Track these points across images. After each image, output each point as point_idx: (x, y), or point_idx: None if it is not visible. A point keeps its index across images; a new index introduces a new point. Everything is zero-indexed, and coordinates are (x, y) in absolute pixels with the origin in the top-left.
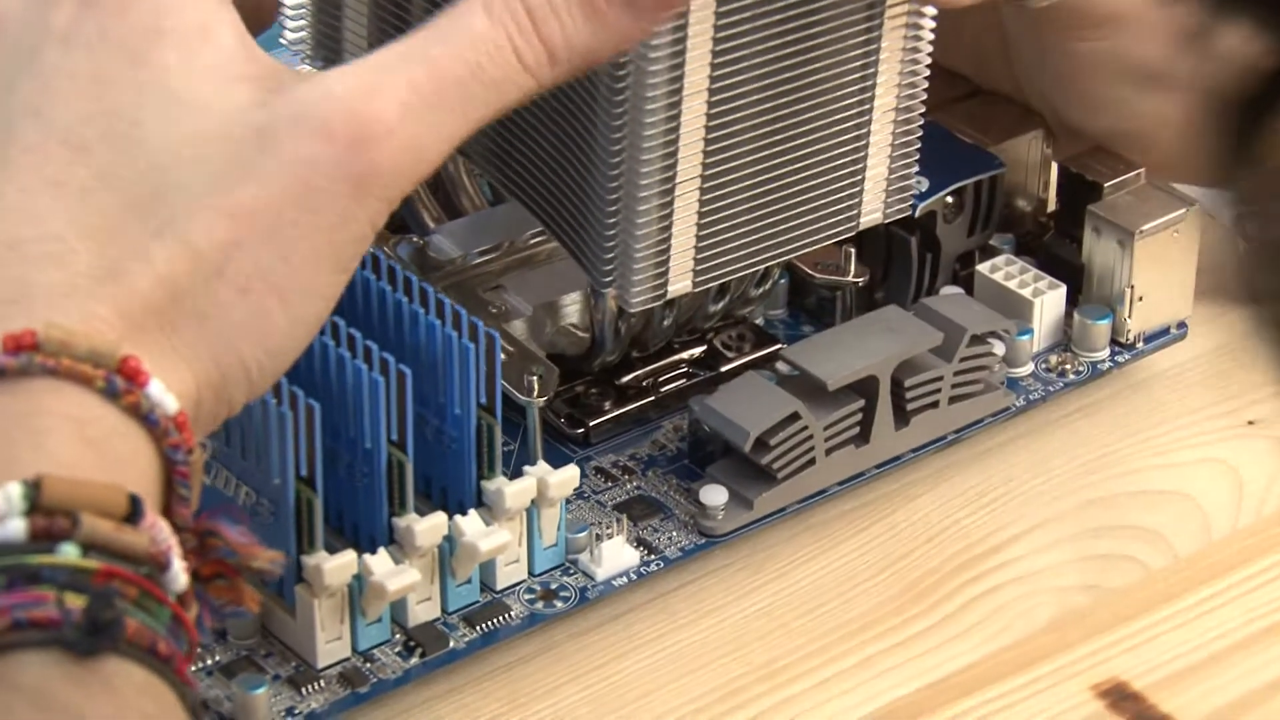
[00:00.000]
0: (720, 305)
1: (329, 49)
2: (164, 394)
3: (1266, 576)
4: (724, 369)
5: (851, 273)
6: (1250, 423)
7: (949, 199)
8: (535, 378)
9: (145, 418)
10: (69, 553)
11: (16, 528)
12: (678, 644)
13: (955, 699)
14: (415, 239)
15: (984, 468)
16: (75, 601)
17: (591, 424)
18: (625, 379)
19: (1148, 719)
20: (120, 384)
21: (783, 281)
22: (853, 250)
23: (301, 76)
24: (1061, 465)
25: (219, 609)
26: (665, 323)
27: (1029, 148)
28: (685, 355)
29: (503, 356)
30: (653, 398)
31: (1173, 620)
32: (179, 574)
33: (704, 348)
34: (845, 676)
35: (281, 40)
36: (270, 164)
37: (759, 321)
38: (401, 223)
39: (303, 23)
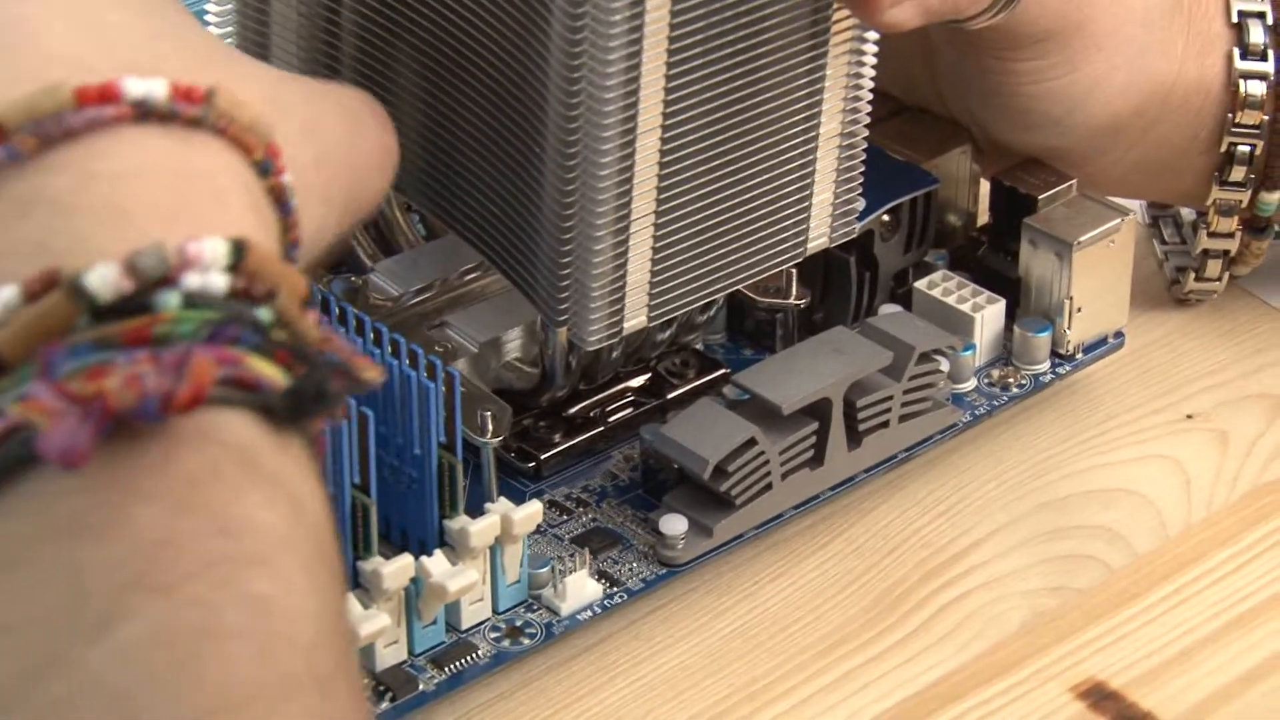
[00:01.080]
0: (668, 334)
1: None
2: (292, 189)
3: (1225, 569)
4: (670, 396)
5: (794, 295)
6: (1189, 416)
7: (885, 217)
8: (489, 416)
9: (283, 205)
10: (266, 318)
11: (219, 282)
12: (656, 670)
13: (937, 709)
14: (353, 278)
15: (936, 476)
16: (269, 370)
17: (543, 457)
18: (573, 410)
19: (1130, 716)
20: (272, 164)
21: (723, 306)
22: (794, 273)
23: None
24: (1011, 470)
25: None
26: (614, 354)
27: (958, 163)
28: (632, 384)
29: (463, 390)
30: (602, 428)
31: (1141, 617)
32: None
33: (649, 376)
34: (828, 693)
35: None
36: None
37: (699, 347)
38: (339, 261)
39: (230, 30)
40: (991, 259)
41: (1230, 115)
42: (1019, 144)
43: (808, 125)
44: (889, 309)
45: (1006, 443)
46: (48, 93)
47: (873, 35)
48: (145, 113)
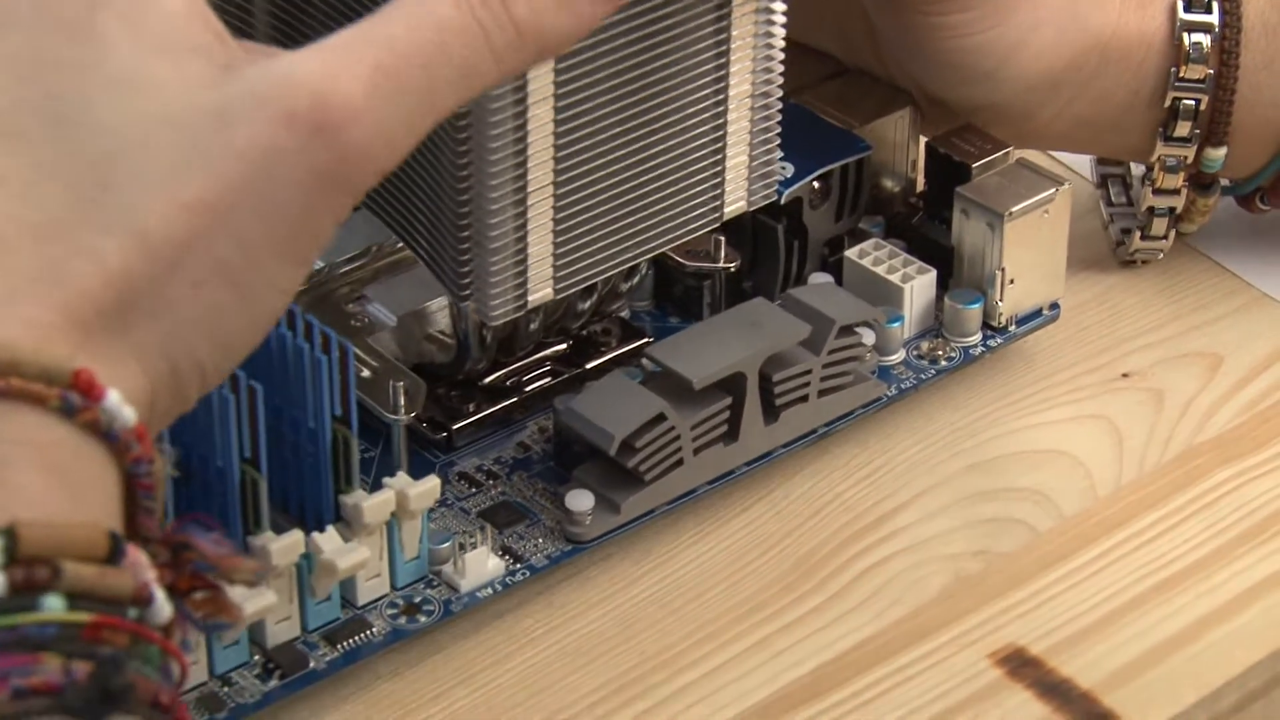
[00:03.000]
0: (589, 304)
1: None
2: (121, 405)
3: (1154, 532)
4: (589, 366)
5: (722, 259)
6: (1125, 375)
7: (815, 184)
8: (401, 389)
9: (105, 434)
10: (55, 606)
11: None
12: (567, 637)
13: (853, 675)
14: None
15: (861, 439)
16: (77, 665)
17: (455, 428)
18: (488, 380)
19: (1047, 684)
20: (76, 400)
21: (649, 273)
22: (722, 238)
23: (254, 52)
24: (939, 431)
25: (200, 622)
26: (532, 326)
27: (895, 126)
28: (549, 353)
29: (366, 373)
30: (516, 398)
31: (1065, 582)
32: (163, 605)
33: (569, 344)
34: (742, 660)
35: None
36: (229, 151)
37: (625, 315)
38: None
39: None
40: (927, 227)
41: (1174, 69)
42: (954, 100)
43: (716, 88)
44: (818, 278)
45: (937, 404)
46: None
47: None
48: None
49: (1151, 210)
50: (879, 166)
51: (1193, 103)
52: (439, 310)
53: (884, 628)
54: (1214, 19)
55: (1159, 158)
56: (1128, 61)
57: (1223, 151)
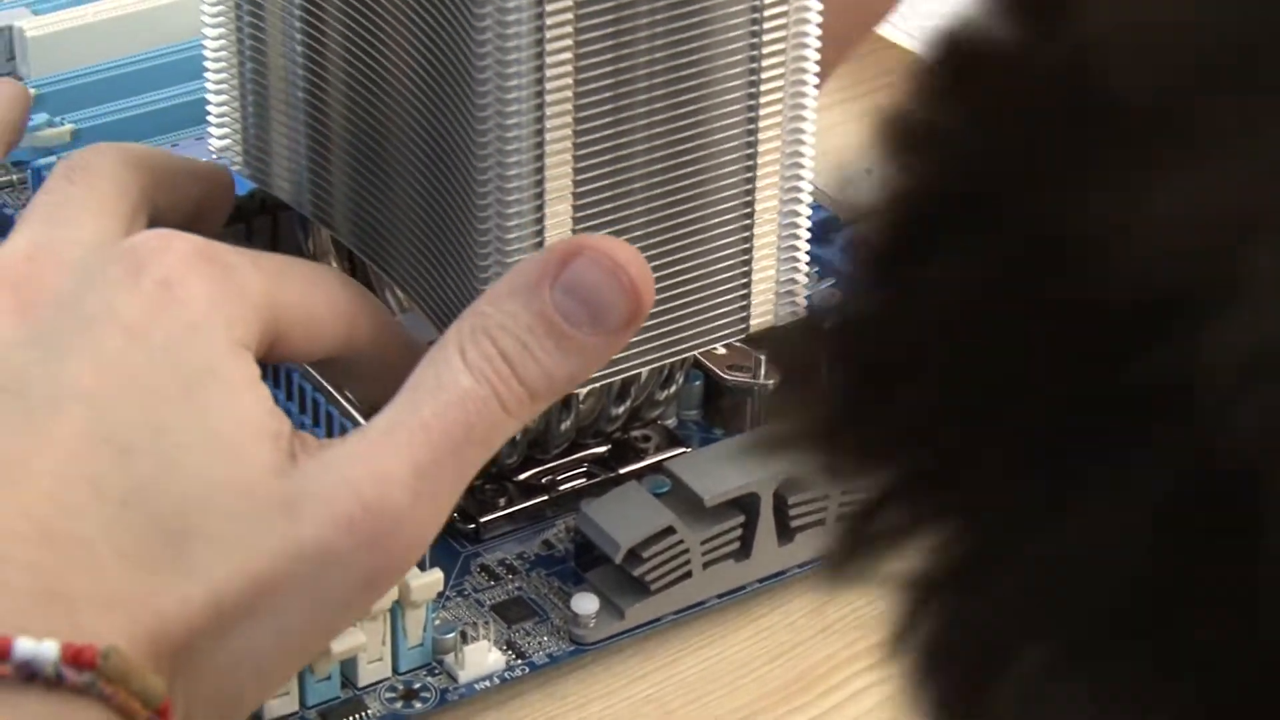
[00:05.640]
0: (624, 408)
1: (259, 160)
2: None
3: None
4: (623, 471)
5: (761, 375)
6: None
7: None
8: None
9: None
10: None
11: None
12: None
13: None
14: None
15: None
16: None
17: (482, 520)
18: (523, 475)
19: None
20: None
21: (697, 384)
22: (763, 355)
23: (310, 445)
24: None
25: None
26: (564, 425)
27: None
28: (588, 454)
29: None
30: (548, 496)
31: None
32: None
33: (608, 447)
34: None
35: (209, 148)
36: (293, 544)
37: (671, 423)
38: None
39: (227, 130)
40: None
41: None
42: None
43: (744, 199)
44: None
45: None
46: None
47: (810, 115)
48: (30, 674)
49: None
50: None
51: None
52: None
53: None
54: None
55: None
56: None
57: None
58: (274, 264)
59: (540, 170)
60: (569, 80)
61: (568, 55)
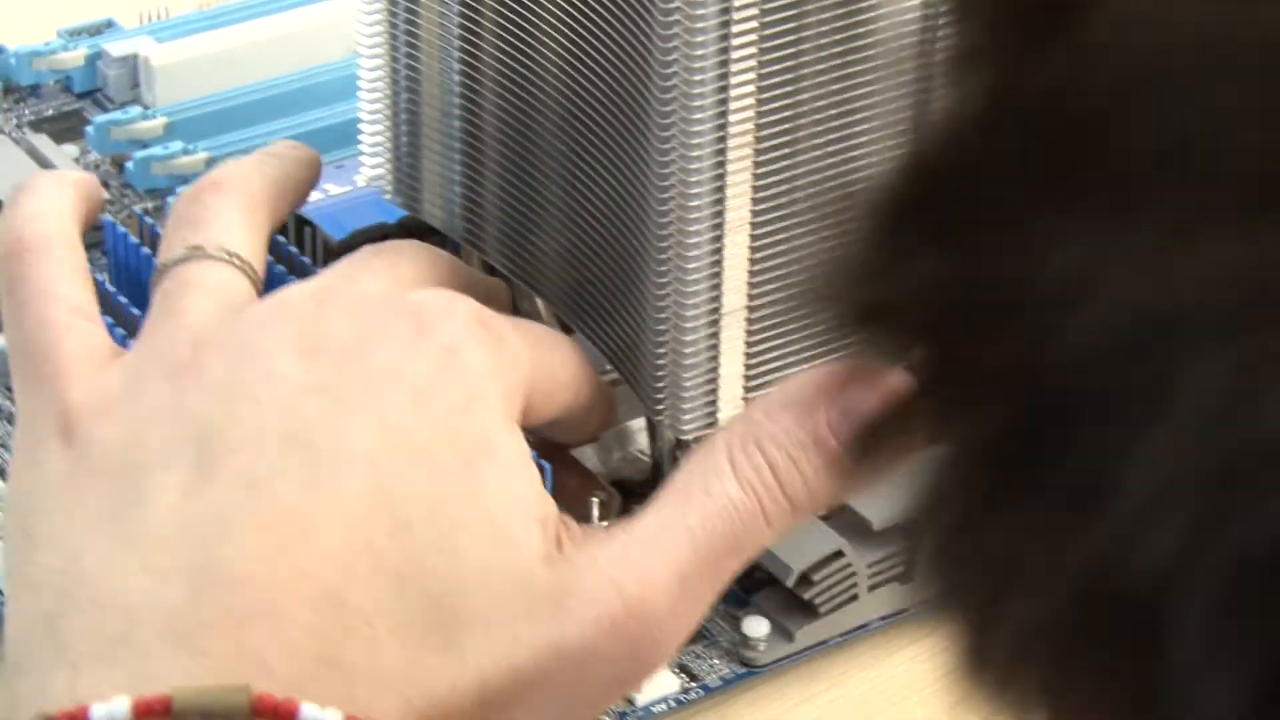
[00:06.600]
0: None
1: (410, 187)
2: None
3: None
4: None
5: None
6: None
7: None
8: (597, 503)
9: None
10: None
11: None
12: None
13: None
14: None
15: None
16: None
17: None
18: None
19: None
20: None
21: None
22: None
23: (574, 533)
24: None
25: None
26: None
27: None
28: None
29: (570, 482)
30: None
31: None
32: None
33: None
34: None
35: (356, 178)
36: (557, 638)
37: None
38: None
39: (380, 159)
40: None
41: None
42: None
43: None
44: None
45: None
46: (228, 692)
47: None
48: None
49: None
50: None
51: None
52: (641, 430)
53: None
54: None
55: None
56: None
57: None
58: (530, 333)
59: (721, 203)
60: (751, 110)
61: (750, 88)
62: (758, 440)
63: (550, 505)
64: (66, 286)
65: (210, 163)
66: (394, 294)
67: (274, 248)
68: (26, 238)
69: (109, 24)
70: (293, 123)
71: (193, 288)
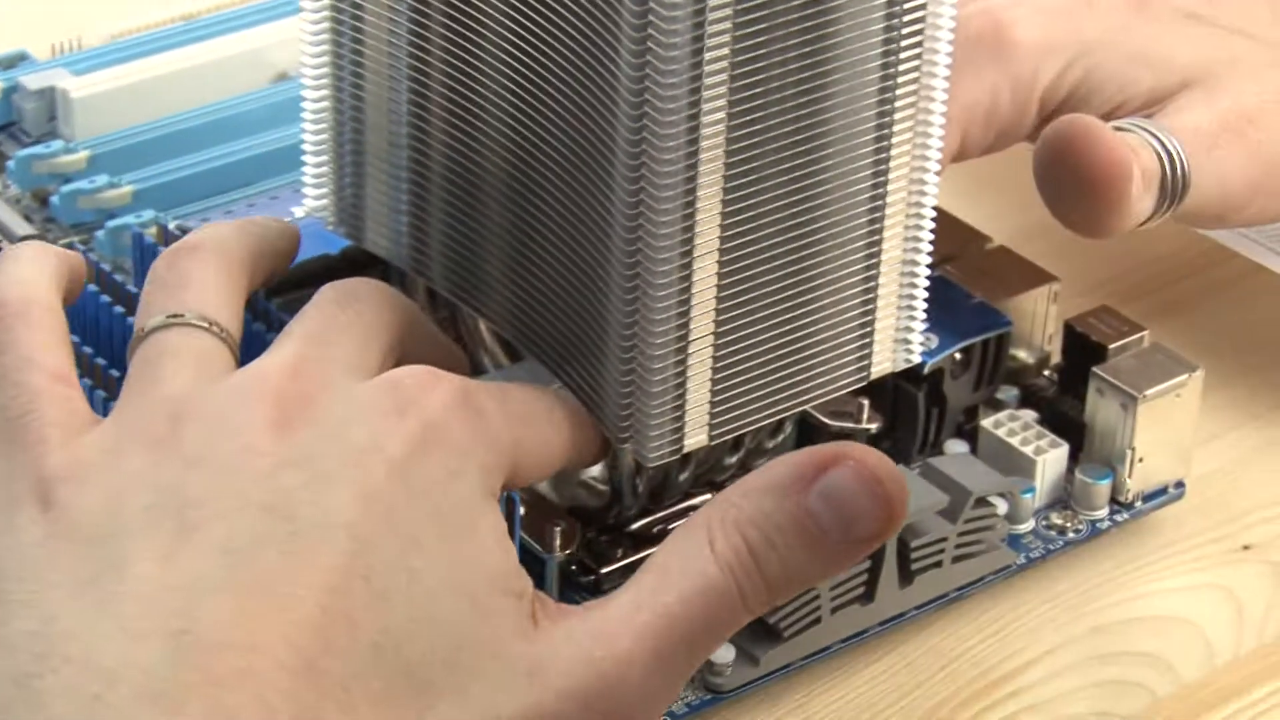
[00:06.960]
0: (736, 458)
1: (354, 217)
2: None
3: (1272, 701)
4: None
5: (864, 420)
6: (1246, 547)
7: (957, 355)
8: (557, 530)
9: None
10: None
11: None
12: None
13: None
14: None
15: (991, 596)
16: None
17: (602, 571)
18: (637, 526)
19: None
20: None
21: (793, 431)
22: (865, 401)
23: (548, 608)
24: (1066, 593)
25: None
26: (683, 477)
27: (1036, 303)
28: (698, 502)
29: (522, 510)
30: None
31: None
32: None
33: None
34: None
35: (296, 210)
36: (532, 711)
37: None
38: None
39: (324, 190)
40: (1062, 403)
41: None
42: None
43: (870, 249)
44: (954, 445)
45: (1065, 564)
46: None
47: (934, 166)
48: None
49: None
50: (1017, 339)
51: None
52: None
53: None
54: None
55: None
56: None
57: None
58: (519, 406)
59: (690, 230)
60: (720, 137)
61: (720, 115)
62: (737, 522)
63: (526, 580)
64: (46, 354)
65: (136, 196)
66: (370, 369)
67: (248, 300)
68: (8, 301)
69: (22, 56)
70: (218, 153)
71: (170, 356)
